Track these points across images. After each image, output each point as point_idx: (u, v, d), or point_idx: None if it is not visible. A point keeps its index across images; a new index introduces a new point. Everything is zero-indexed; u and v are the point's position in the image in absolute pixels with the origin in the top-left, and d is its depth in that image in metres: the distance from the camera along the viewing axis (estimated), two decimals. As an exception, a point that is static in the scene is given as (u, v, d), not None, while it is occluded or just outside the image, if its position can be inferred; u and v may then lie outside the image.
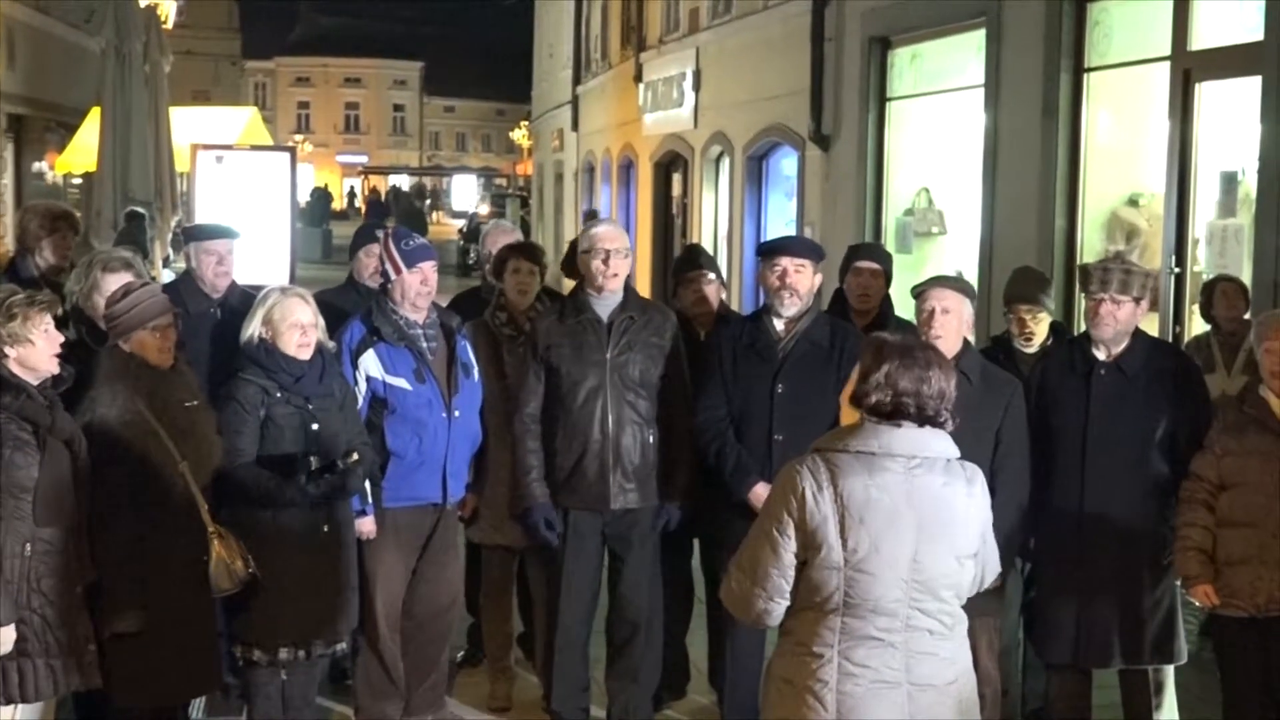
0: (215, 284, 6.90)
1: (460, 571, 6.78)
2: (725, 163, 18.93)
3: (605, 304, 6.34)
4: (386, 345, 6.21)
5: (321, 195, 50.12)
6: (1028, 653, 6.59)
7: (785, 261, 6.19)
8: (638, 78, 22.52)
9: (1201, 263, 9.48)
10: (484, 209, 46.29)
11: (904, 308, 7.30)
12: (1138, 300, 5.88)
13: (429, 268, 6.27)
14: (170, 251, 15.63)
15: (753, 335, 6.25)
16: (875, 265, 7.05)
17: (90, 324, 6.06)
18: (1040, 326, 6.55)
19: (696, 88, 19.56)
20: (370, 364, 6.20)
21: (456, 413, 6.30)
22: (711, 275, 7.04)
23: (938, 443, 3.86)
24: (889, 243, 13.07)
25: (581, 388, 6.28)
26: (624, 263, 6.34)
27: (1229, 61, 9.17)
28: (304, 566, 5.80)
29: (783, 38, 15.89)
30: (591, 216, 29.83)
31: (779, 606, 3.92)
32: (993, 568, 4.08)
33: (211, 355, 6.41)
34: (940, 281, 6.04)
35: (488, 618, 7.17)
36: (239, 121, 19.73)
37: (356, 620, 6.15)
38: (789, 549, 3.82)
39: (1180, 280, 9.48)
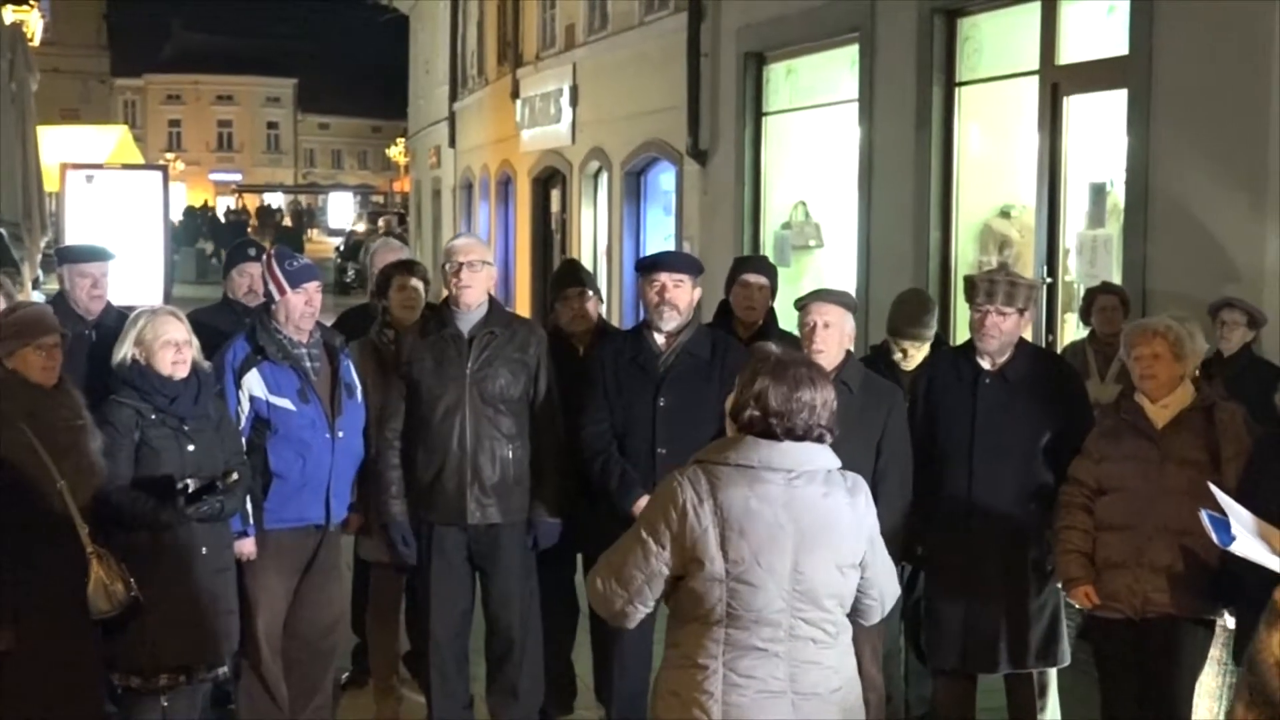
0: (89, 307, 6.80)
1: (344, 591, 6.72)
2: (604, 178, 18.96)
3: (467, 319, 6.33)
4: (270, 365, 6.15)
5: (194, 214, 49.49)
6: (910, 659, 6.66)
7: (664, 277, 6.23)
8: (515, 94, 22.50)
9: (1073, 272, 9.66)
10: (361, 227, 45.98)
11: (786, 320, 7.37)
12: (1022, 311, 5.99)
13: (313, 288, 6.22)
14: (40, 273, 15.35)
15: (634, 350, 6.28)
16: (762, 278, 7.10)
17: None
18: (922, 352, 6.64)
19: (574, 104, 19.59)
20: (253, 383, 6.13)
21: (340, 433, 6.25)
22: (590, 292, 7.05)
23: (818, 455, 3.88)
24: (767, 256, 13.16)
25: (441, 403, 6.27)
26: (478, 275, 6.32)
27: (1096, 75, 9.36)
28: (183, 590, 5.71)
29: (659, 54, 15.97)
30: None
31: (638, 611, 3.95)
32: (891, 591, 4.13)
33: (87, 378, 6.29)
34: (822, 295, 6.09)
35: (374, 637, 7.11)
36: (109, 140, 19.48)
37: (237, 643, 6.07)
38: (660, 558, 3.83)
39: (1052, 290, 9.66)
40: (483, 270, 6.35)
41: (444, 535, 6.36)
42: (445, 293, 6.45)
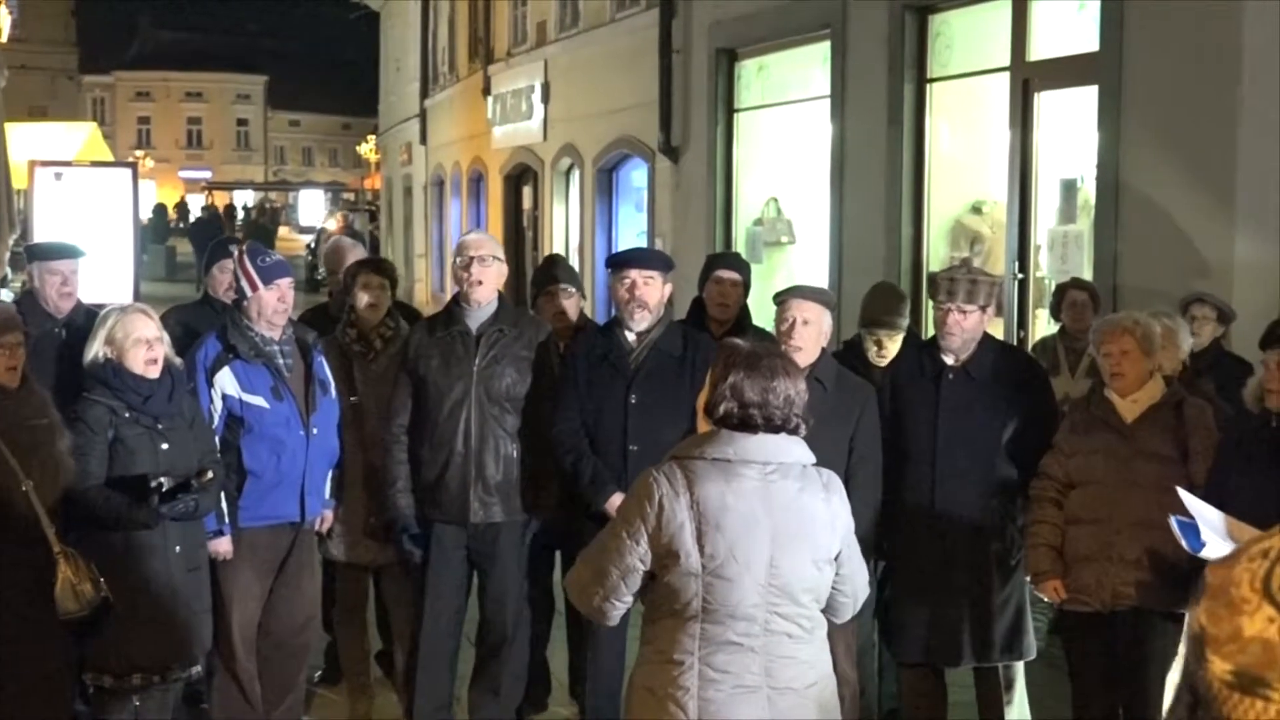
0: (59, 305, 6.76)
1: (317, 590, 6.70)
2: (575, 175, 18.95)
3: (476, 316, 6.30)
4: (243, 363, 6.11)
5: (162, 211, 49.25)
6: (883, 654, 6.68)
7: (634, 274, 6.21)
8: (486, 90, 22.46)
9: (1044, 268, 9.70)
10: (333, 224, 45.72)
11: (759, 316, 7.38)
12: (984, 308, 5.99)
13: (286, 285, 6.19)
14: (8, 270, 15.25)
15: (605, 346, 6.26)
16: (735, 275, 7.10)
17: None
18: (896, 345, 6.65)
19: (545, 100, 19.57)
20: (226, 382, 6.10)
21: (315, 430, 6.23)
22: (571, 289, 7.04)
23: (793, 449, 3.89)
24: (739, 252, 13.17)
25: (447, 399, 6.24)
26: (489, 270, 6.29)
27: (1066, 71, 9.40)
28: (156, 589, 5.68)
29: (631, 50, 15.96)
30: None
31: (615, 608, 3.95)
32: (863, 589, 4.14)
33: (56, 376, 6.26)
34: (801, 292, 6.08)
35: (344, 635, 7.10)
36: (78, 137, 19.33)
37: (211, 642, 6.05)
38: (635, 553, 3.83)
39: (1023, 285, 9.69)
40: (494, 266, 6.32)
41: (444, 533, 6.34)
42: (455, 288, 6.41)
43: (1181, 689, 1.57)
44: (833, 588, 4.00)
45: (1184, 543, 4.93)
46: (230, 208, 62.02)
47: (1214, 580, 1.53)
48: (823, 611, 4.01)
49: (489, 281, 6.30)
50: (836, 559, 3.97)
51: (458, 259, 6.34)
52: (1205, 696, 1.49)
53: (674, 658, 3.83)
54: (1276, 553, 1.48)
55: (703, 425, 3.95)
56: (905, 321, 6.79)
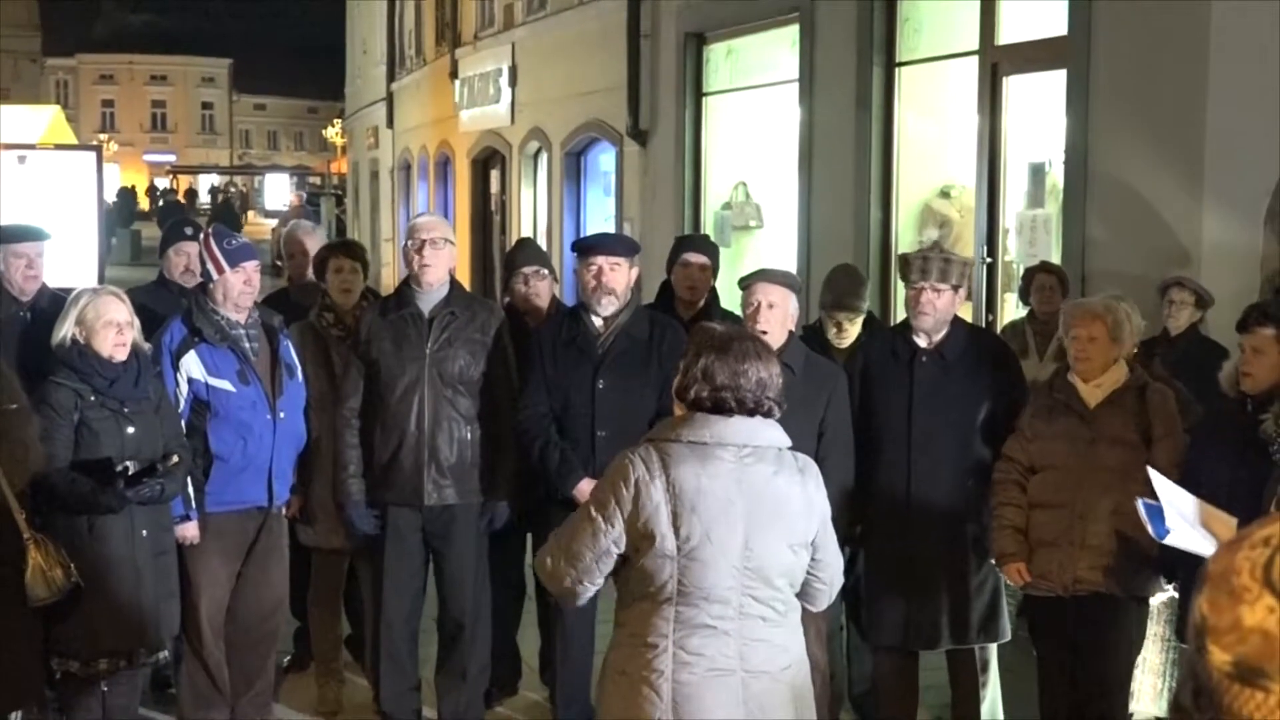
0: (24, 288, 6.70)
1: (285, 575, 6.67)
2: (543, 159, 18.90)
3: (428, 299, 6.28)
4: (208, 346, 6.07)
5: (127, 195, 48.96)
6: (852, 636, 6.69)
7: (600, 260, 6.19)
8: (453, 74, 22.38)
9: (1012, 252, 9.72)
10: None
11: (727, 300, 7.37)
12: (956, 288, 6.00)
13: (252, 268, 6.15)
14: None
15: (572, 331, 6.24)
16: (703, 258, 7.09)
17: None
18: (857, 327, 6.66)
19: (513, 84, 19.51)
20: (192, 365, 6.06)
21: (281, 414, 6.19)
22: (543, 271, 7.02)
23: (769, 432, 3.89)
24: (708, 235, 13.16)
25: (399, 382, 6.22)
26: (440, 253, 6.27)
27: (1035, 56, 9.41)
28: (123, 573, 5.64)
29: (599, 34, 15.92)
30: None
31: (586, 590, 3.95)
32: (839, 577, 4.14)
33: (20, 360, 6.21)
34: (766, 275, 6.07)
35: (316, 621, 7.08)
36: (41, 120, 19.16)
37: (178, 627, 6.02)
38: (608, 535, 3.83)
39: (992, 270, 9.71)
40: (445, 249, 6.30)
41: (399, 515, 6.32)
42: (406, 271, 6.39)
43: (1186, 675, 1.55)
44: (810, 574, 3.99)
45: (1149, 527, 4.94)
46: (191, 192, 61.67)
47: (1215, 568, 1.50)
48: (799, 598, 4.00)
49: (440, 264, 6.28)
50: (813, 544, 3.96)
51: (409, 241, 6.31)
52: (1206, 686, 1.47)
53: (648, 640, 3.82)
54: (1278, 540, 1.46)
55: (677, 410, 3.94)
56: (865, 304, 6.81)
